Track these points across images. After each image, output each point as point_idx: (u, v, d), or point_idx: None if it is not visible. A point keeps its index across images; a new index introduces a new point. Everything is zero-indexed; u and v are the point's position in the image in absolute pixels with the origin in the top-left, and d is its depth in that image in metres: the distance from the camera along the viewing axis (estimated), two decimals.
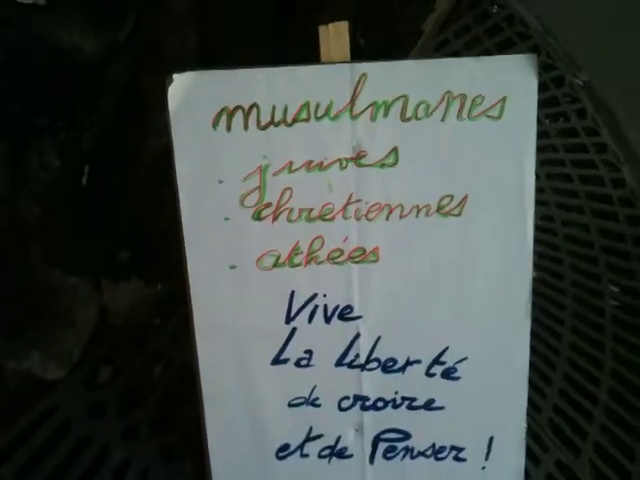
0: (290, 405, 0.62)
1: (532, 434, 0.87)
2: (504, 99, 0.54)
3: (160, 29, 0.63)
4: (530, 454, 0.83)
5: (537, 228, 0.63)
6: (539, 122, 0.58)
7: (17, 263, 0.71)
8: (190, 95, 0.54)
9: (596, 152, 1.24)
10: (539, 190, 0.63)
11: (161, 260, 0.77)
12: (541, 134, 0.60)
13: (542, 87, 0.57)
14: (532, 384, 0.67)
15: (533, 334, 0.65)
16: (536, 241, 0.63)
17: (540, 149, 0.60)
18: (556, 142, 1.20)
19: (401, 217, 0.57)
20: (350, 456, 0.64)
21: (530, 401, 0.67)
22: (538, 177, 0.62)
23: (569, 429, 0.92)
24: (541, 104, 0.58)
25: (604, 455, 0.94)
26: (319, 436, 0.63)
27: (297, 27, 0.54)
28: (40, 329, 0.69)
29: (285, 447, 0.63)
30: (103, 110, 0.77)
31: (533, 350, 0.66)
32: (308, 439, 0.63)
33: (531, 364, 0.66)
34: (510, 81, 0.54)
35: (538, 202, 0.63)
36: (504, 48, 1.30)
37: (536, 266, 0.63)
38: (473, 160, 0.56)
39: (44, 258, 0.72)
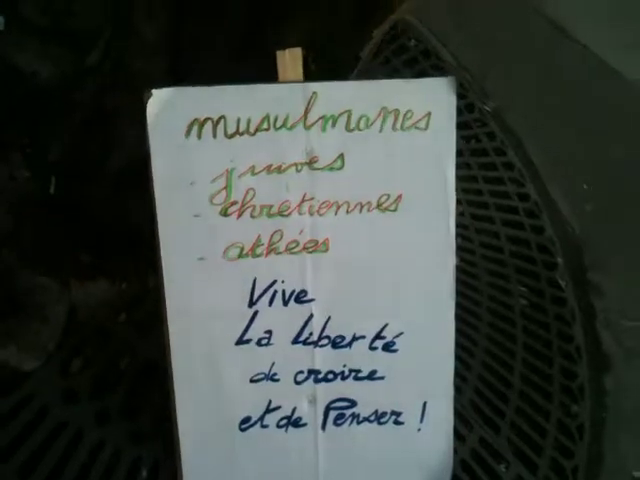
0: (252, 381, 0.71)
1: (457, 415, 0.98)
2: (429, 114, 0.66)
3: (131, 53, 0.72)
4: (456, 432, 0.93)
5: (455, 235, 0.75)
6: None
7: None
8: (166, 108, 0.63)
9: (504, 170, 1.40)
10: (456, 202, 0.75)
11: (125, 262, 0.84)
12: (456, 153, 0.72)
13: (456, 112, 0.69)
14: (454, 370, 0.79)
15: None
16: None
17: (456, 166, 0.72)
18: (469, 160, 1.35)
19: (347, 212, 0.67)
20: (304, 425, 0.73)
21: (454, 385, 0.78)
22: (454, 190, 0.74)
23: (489, 410, 1.05)
24: (456, 127, 0.70)
25: (519, 432, 1.07)
26: (277, 408, 0.72)
27: (258, 51, 0.64)
28: (16, 324, 0.75)
29: (247, 419, 0.72)
30: (69, 127, 0.84)
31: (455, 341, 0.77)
32: (268, 411, 0.72)
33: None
34: (434, 99, 0.66)
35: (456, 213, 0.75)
36: (420, 78, 1.44)
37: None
38: (405, 164, 0.67)
39: (17, 260, 0.78)
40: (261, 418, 0.72)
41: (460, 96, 1.37)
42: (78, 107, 0.82)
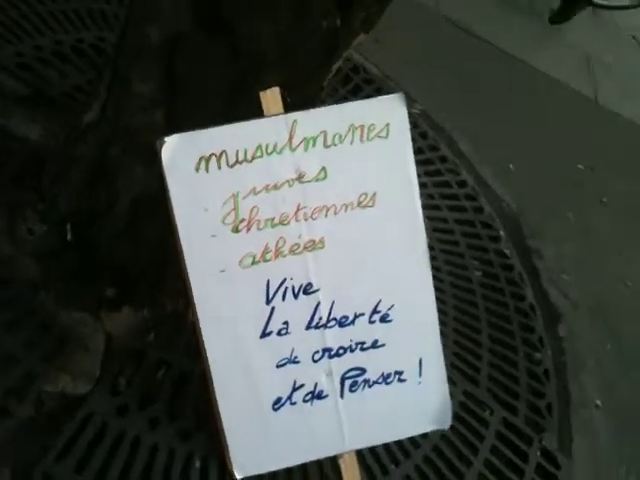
0: (277, 366, 0.84)
1: None
2: (388, 124, 0.82)
3: (128, 109, 0.84)
4: None
5: None
6: None
7: (34, 308, 0.88)
8: (176, 151, 0.76)
9: (440, 163, 1.59)
10: None
11: (143, 290, 0.96)
12: None
13: None
14: None
15: None
16: None
17: None
18: None
19: (335, 213, 0.82)
20: (326, 396, 0.86)
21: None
22: None
23: (467, 368, 1.21)
24: None
25: (496, 383, 1.23)
26: (301, 386, 0.85)
27: (244, 94, 0.78)
28: (64, 357, 0.86)
29: (278, 400, 0.85)
30: (73, 179, 0.95)
31: None
32: (294, 390, 0.85)
33: None
34: (390, 112, 0.82)
35: None
36: (356, 93, 1.62)
37: None
38: (375, 167, 0.82)
39: (53, 302, 0.89)
40: (289, 397, 0.85)
41: None
42: (80, 160, 0.93)
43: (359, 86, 1.63)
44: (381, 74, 1.71)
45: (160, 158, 0.76)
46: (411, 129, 1.61)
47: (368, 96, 1.59)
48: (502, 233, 1.58)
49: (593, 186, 1.93)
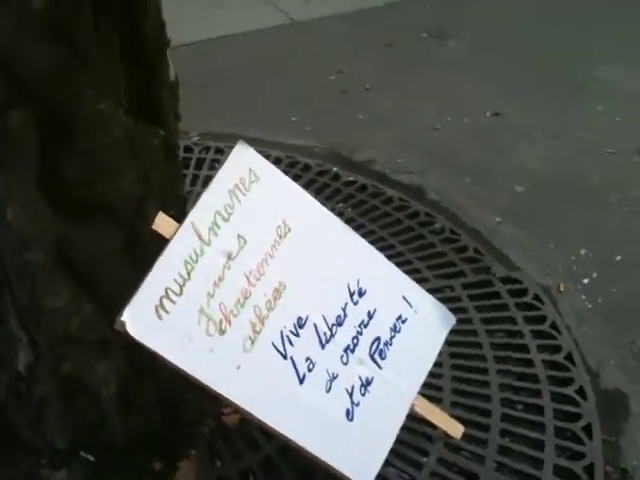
0: (327, 391, 0.95)
1: None
2: (250, 169, 0.92)
3: (57, 327, 0.87)
4: None
5: None
6: None
7: None
8: (135, 319, 0.81)
9: None
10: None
11: (177, 439, 1.01)
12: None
13: None
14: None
15: None
16: None
17: None
18: None
19: (272, 257, 0.92)
20: (372, 378, 0.98)
21: None
22: None
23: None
24: None
25: (437, 267, 1.44)
26: (352, 388, 0.97)
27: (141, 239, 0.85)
28: None
29: (347, 412, 0.96)
30: (51, 416, 0.96)
31: None
32: (351, 395, 0.96)
33: None
34: (243, 159, 0.92)
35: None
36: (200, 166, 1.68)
37: None
38: (269, 203, 0.93)
39: None
40: (352, 402, 0.96)
41: None
42: (45, 398, 0.94)
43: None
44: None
45: (128, 335, 0.81)
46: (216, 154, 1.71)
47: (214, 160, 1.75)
48: (335, 169, 1.75)
49: (353, 85, 2.16)
